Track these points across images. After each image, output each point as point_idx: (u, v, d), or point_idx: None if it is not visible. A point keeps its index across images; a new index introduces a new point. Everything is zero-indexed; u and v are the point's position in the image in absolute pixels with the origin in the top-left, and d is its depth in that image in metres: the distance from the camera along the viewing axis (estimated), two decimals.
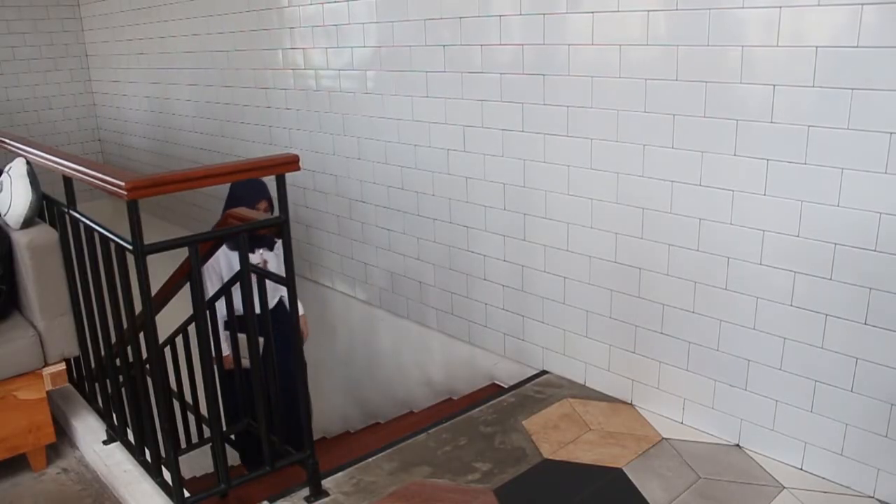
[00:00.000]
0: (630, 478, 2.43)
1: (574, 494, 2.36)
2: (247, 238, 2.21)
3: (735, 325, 2.49)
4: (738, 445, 2.58)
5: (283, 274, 3.20)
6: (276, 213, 2.28)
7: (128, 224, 1.90)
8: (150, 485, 2.41)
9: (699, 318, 2.58)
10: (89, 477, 2.70)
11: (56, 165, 2.31)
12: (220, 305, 2.78)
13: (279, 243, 3.40)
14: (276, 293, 3.41)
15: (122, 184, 1.86)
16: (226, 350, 3.13)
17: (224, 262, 3.31)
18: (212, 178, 2.03)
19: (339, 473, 2.53)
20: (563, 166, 2.87)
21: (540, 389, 3.06)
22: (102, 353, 2.58)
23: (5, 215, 2.67)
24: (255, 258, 3.27)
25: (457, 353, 3.63)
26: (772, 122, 2.24)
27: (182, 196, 5.78)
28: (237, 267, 2.30)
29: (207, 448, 2.47)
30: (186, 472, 2.65)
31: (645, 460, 2.53)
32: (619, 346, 2.88)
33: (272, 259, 3.45)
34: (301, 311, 3.21)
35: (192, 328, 2.76)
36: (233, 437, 2.86)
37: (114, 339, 2.46)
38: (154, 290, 2.10)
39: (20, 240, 2.60)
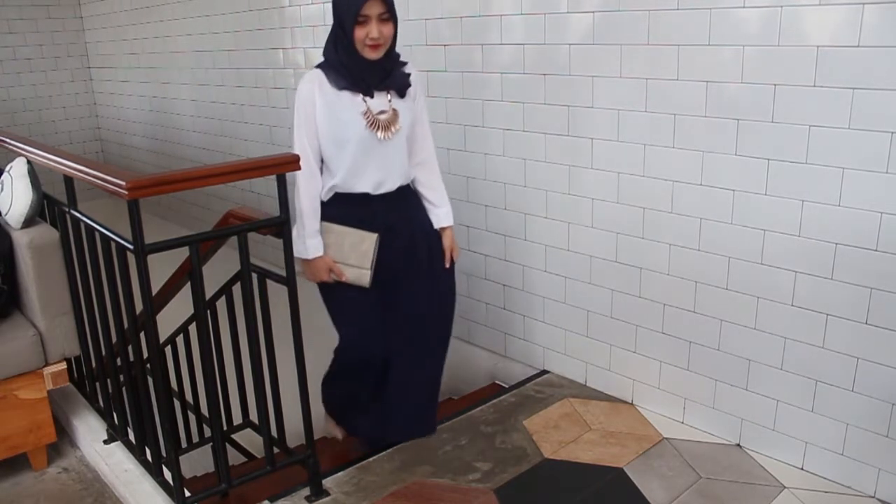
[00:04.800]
0: (631, 477, 2.43)
1: (575, 494, 2.36)
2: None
3: (736, 324, 2.49)
4: (738, 445, 2.58)
5: (419, 139, 2.51)
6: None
7: (128, 224, 1.90)
8: (150, 484, 2.41)
9: (700, 318, 2.58)
10: (90, 476, 2.70)
11: (57, 165, 2.31)
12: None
13: (414, 91, 2.44)
14: (398, 170, 2.43)
15: (123, 183, 1.85)
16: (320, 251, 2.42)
17: (319, 93, 2.40)
18: (212, 178, 2.02)
19: (340, 473, 2.53)
20: (563, 166, 2.87)
21: (540, 389, 3.06)
22: (103, 352, 2.58)
23: (6, 215, 2.67)
24: (378, 104, 2.35)
25: (457, 352, 3.62)
26: (772, 122, 2.24)
27: (182, 196, 5.79)
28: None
29: (208, 447, 2.48)
30: (187, 472, 2.65)
31: (645, 460, 2.53)
32: (619, 346, 2.88)
33: (405, 112, 2.39)
34: (449, 223, 2.60)
35: (192, 327, 2.76)
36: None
37: (114, 339, 2.46)
38: (155, 289, 2.10)
39: (21, 239, 2.60)
